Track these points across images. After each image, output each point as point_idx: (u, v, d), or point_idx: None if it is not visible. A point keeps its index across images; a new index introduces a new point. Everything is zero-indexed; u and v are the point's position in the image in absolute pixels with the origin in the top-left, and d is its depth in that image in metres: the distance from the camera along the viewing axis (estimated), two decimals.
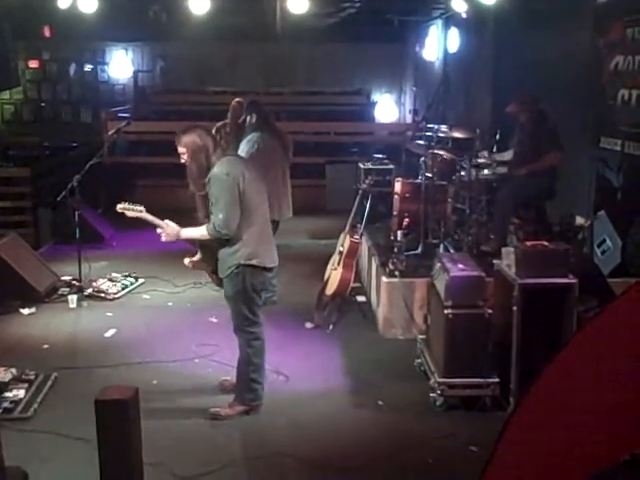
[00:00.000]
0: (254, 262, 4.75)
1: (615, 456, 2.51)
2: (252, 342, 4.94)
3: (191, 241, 4.93)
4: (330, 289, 6.83)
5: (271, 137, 7.02)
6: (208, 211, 4.75)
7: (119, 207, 5.05)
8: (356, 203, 7.30)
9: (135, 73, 15.58)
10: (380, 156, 10.58)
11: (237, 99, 7.61)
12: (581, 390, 2.55)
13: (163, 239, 4.91)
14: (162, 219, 4.92)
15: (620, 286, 5.67)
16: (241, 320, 4.89)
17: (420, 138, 7.99)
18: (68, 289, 7.47)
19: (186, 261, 4.97)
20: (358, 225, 7.27)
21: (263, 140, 6.90)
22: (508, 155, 7.27)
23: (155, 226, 4.93)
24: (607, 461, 2.51)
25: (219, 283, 5.00)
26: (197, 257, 4.96)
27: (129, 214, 5.01)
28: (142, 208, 4.97)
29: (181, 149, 4.73)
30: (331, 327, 6.62)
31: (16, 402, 5.04)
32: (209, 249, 4.86)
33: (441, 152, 7.31)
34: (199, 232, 4.79)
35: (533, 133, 6.92)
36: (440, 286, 5.20)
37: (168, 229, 4.88)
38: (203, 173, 4.69)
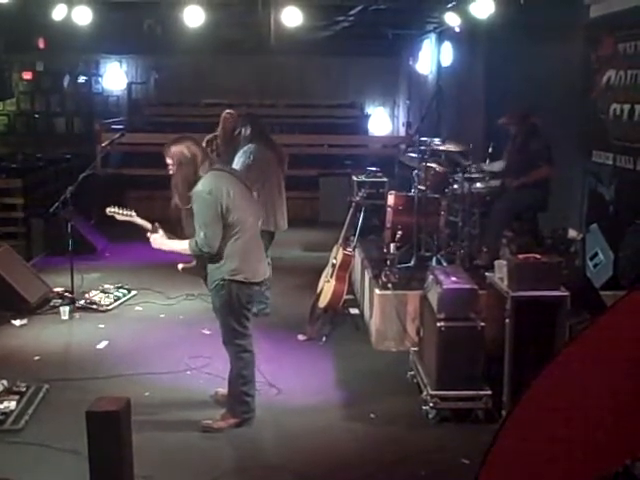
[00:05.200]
0: (238, 278, 4.72)
1: (605, 469, 2.51)
2: (241, 354, 4.91)
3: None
4: (323, 301, 6.83)
5: (266, 149, 7.03)
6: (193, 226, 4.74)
7: (108, 210, 5.10)
8: (349, 215, 7.30)
9: (129, 85, 15.60)
10: (373, 169, 10.60)
11: (228, 110, 7.63)
12: (570, 402, 2.56)
13: (152, 244, 4.95)
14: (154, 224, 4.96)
15: (612, 299, 5.68)
16: (229, 332, 4.87)
17: (413, 151, 8.00)
18: (60, 300, 7.45)
19: (180, 266, 4.98)
20: (351, 237, 7.28)
21: (259, 152, 6.91)
22: (498, 165, 7.31)
23: (145, 230, 4.96)
24: (596, 474, 2.51)
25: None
26: (191, 264, 4.95)
27: (119, 218, 5.06)
28: (133, 212, 5.01)
29: (168, 160, 4.73)
30: (324, 339, 6.61)
31: (7, 414, 5.00)
32: (203, 258, 4.86)
33: (434, 165, 7.34)
34: (182, 246, 4.77)
35: (522, 146, 6.97)
36: (433, 299, 5.21)
37: (155, 236, 4.91)
38: (189, 186, 4.65)
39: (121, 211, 5.03)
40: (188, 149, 4.67)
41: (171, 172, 4.75)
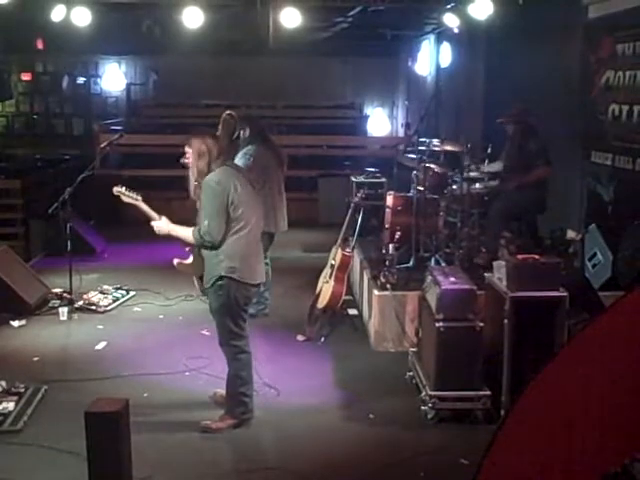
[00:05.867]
0: (234, 276, 4.73)
1: (603, 470, 2.50)
2: (238, 355, 4.92)
3: (186, 245, 4.93)
4: (322, 302, 6.82)
5: (266, 150, 7.03)
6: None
7: (115, 190, 5.12)
8: (348, 216, 7.30)
9: (128, 86, 15.62)
10: (372, 170, 10.59)
11: (228, 112, 7.62)
12: (569, 402, 2.56)
13: (155, 230, 4.99)
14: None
15: (611, 299, 5.67)
16: (226, 333, 4.88)
17: (412, 152, 8.01)
18: (59, 301, 7.44)
19: (175, 261, 4.99)
20: (350, 238, 7.28)
21: (258, 153, 6.91)
22: (496, 166, 7.32)
23: (148, 217, 5.00)
24: (596, 473, 2.51)
25: (204, 291, 5.00)
26: (188, 261, 4.96)
27: (125, 199, 5.08)
28: (139, 197, 5.03)
29: (187, 149, 4.83)
30: (322, 340, 6.61)
31: (5, 415, 5.00)
32: (201, 257, 4.86)
33: (433, 166, 7.33)
34: (186, 233, 4.82)
35: (520, 146, 6.98)
36: (431, 299, 5.21)
37: (159, 222, 4.95)
38: (201, 178, 4.75)
39: (128, 192, 5.06)
40: (205, 144, 4.77)
41: (187, 162, 4.84)
